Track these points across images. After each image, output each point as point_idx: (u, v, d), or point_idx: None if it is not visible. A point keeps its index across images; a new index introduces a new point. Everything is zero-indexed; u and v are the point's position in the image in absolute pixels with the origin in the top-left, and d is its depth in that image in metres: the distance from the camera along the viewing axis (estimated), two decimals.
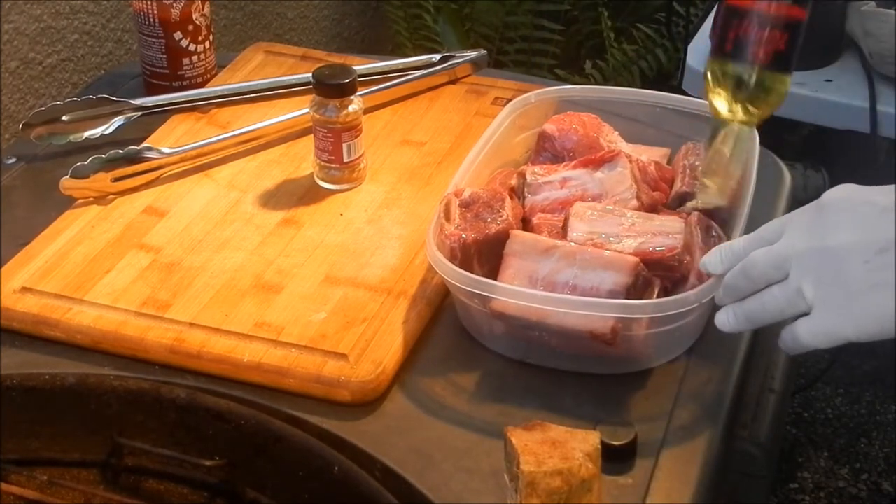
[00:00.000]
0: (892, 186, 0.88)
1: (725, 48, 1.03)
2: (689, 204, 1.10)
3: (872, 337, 0.86)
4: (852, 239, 0.86)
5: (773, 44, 1.01)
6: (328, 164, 1.22)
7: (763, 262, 0.90)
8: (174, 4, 1.35)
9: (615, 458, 0.90)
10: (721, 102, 1.05)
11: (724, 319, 0.94)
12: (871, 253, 0.84)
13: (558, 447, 0.85)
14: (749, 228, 1.06)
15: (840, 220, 0.87)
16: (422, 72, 1.40)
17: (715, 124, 1.07)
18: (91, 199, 1.20)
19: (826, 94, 1.86)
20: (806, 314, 0.88)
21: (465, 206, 1.07)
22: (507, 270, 1.01)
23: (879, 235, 0.84)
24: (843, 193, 0.89)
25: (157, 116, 1.33)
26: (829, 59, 1.92)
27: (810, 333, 0.88)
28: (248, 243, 1.15)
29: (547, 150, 1.19)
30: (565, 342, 0.99)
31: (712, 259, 0.96)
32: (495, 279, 1.01)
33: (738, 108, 1.04)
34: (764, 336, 1.11)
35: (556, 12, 2.20)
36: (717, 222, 1.07)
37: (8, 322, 1.06)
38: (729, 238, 1.05)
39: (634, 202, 1.08)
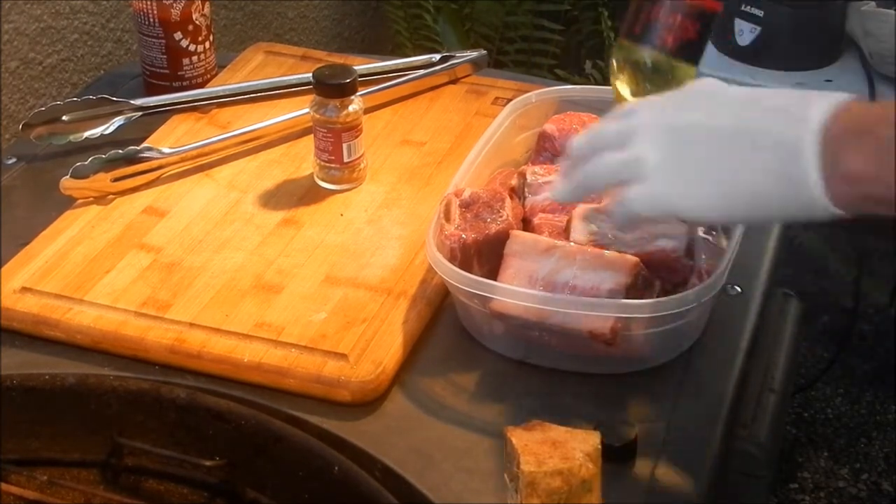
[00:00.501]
0: (752, 89, 0.89)
1: (634, 31, 1.01)
2: None
3: (699, 215, 0.87)
4: (703, 120, 0.86)
5: (684, 32, 1.00)
6: (328, 164, 1.22)
7: (609, 131, 0.90)
8: (174, 4, 1.35)
9: (615, 458, 0.90)
10: (624, 87, 1.03)
11: (559, 186, 0.93)
12: (716, 137, 0.85)
13: (558, 447, 0.85)
14: (749, 228, 1.06)
15: (697, 104, 0.88)
16: (422, 72, 1.40)
17: (614, 110, 1.04)
18: (91, 199, 1.20)
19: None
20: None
21: (465, 206, 1.07)
22: (507, 270, 1.01)
23: (729, 122, 0.85)
24: (708, 84, 0.90)
25: (157, 116, 1.33)
26: (829, 59, 1.92)
27: (640, 196, 0.87)
28: (248, 243, 1.15)
29: (547, 150, 1.19)
30: (565, 342, 0.99)
31: (577, 137, 0.94)
32: (495, 279, 1.01)
33: (641, 94, 1.02)
34: (764, 336, 1.11)
35: (556, 12, 2.20)
36: None
37: (8, 322, 1.06)
38: (728, 238, 1.05)
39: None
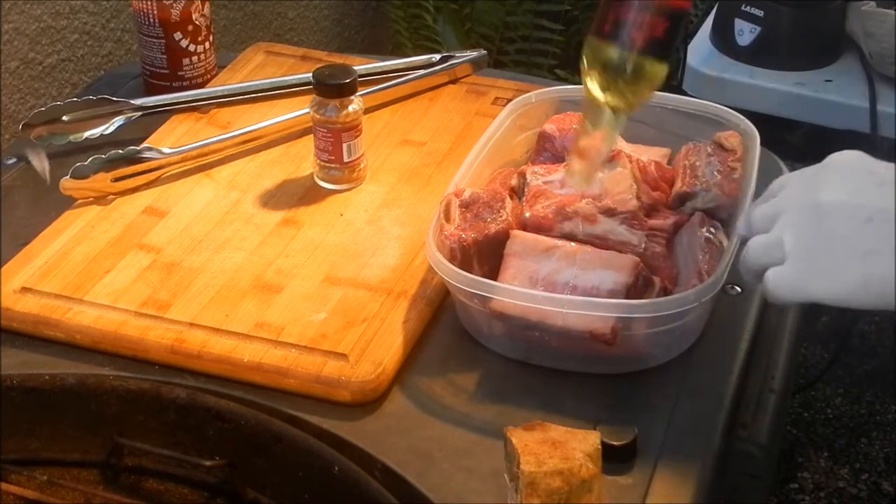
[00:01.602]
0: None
1: (604, 29, 1.01)
2: (689, 204, 1.10)
3: (839, 301, 0.83)
4: (844, 200, 0.83)
5: (652, 30, 0.99)
6: (328, 165, 1.22)
7: (758, 214, 0.90)
8: (174, 4, 1.35)
9: (615, 458, 0.90)
10: (594, 85, 1.02)
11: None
12: (860, 219, 0.82)
13: (558, 447, 0.85)
14: None
15: (837, 180, 0.85)
16: (422, 72, 1.40)
17: (587, 107, 1.04)
18: (91, 199, 1.20)
19: (826, 94, 1.86)
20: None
21: (465, 206, 1.07)
22: (507, 270, 1.01)
23: (872, 203, 0.82)
24: (849, 158, 0.87)
25: (157, 116, 1.33)
26: (829, 59, 1.92)
27: (777, 280, 0.86)
28: (248, 243, 1.15)
29: (547, 150, 1.19)
30: (565, 342, 0.99)
31: (739, 223, 0.95)
32: (495, 279, 1.01)
33: (611, 92, 1.01)
34: (764, 336, 1.11)
35: (556, 12, 2.20)
36: (718, 222, 1.07)
37: (8, 322, 1.06)
38: (728, 238, 1.05)
39: (634, 202, 1.08)
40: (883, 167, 0.85)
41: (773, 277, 0.86)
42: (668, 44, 1.00)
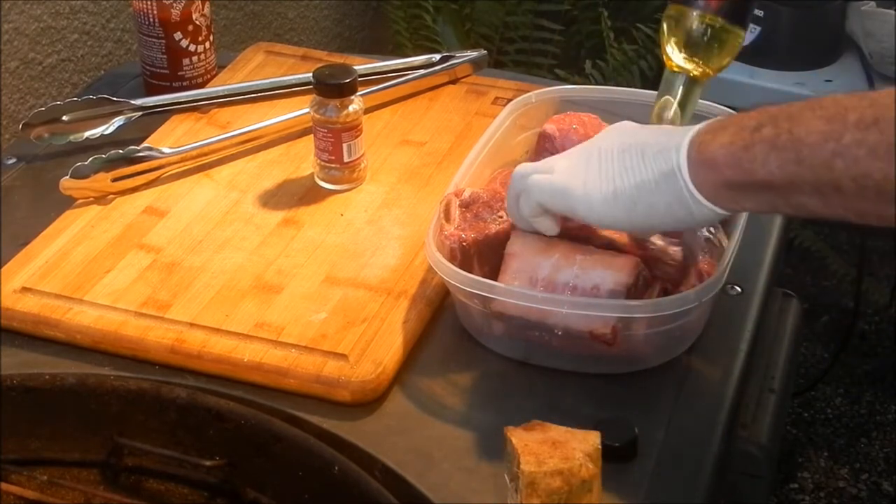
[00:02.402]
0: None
1: None
2: None
3: (595, 211, 0.94)
4: (607, 143, 0.95)
5: None
6: (328, 165, 1.22)
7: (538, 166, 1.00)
8: (174, 4, 1.35)
9: (615, 458, 0.90)
10: (674, 51, 1.06)
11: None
12: (614, 151, 0.94)
13: (558, 447, 0.85)
14: (749, 228, 1.06)
15: (606, 134, 0.98)
16: (422, 72, 1.40)
17: (667, 75, 1.08)
18: (91, 199, 1.20)
19: (826, 94, 1.86)
20: None
21: (465, 206, 1.07)
22: (508, 270, 1.01)
23: (628, 141, 0.94)
24: (620, 124, 1.00)
25: (157, 116, 1.33)
26: (829, 59, 1.93)
27: (542, 182, 0.96)
28: (248, 243, 1.15)
29: (547, 150, 1.18)
30: (565, 342, 0.99)
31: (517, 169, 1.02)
32: (495, 279, 1.01)
33: (691, 59, 1.06)
34: (764, 336, 1.11)
35: (556, 12, 2.20)
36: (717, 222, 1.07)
37: (8, 322, 1.06)
38: (728, 238, 1.05)
39: None
40: (647, 126, 0.99)
41: (540, 178, 0.97)
42: (747, 8, 1.06)
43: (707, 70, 1.06)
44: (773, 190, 0.85)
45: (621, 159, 0.93)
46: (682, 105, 1.07)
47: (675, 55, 1.06)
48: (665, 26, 1.06)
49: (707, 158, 0.88)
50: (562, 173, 0.96)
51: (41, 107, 1.29)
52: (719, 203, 0.89)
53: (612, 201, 0.93)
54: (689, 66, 1.06)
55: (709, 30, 1.04)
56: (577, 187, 0.94)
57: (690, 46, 1.05)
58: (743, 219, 1.05)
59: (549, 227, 1.00)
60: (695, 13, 1.04)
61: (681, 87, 1.07)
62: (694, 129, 0.91)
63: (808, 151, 0.82)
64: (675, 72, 1.07)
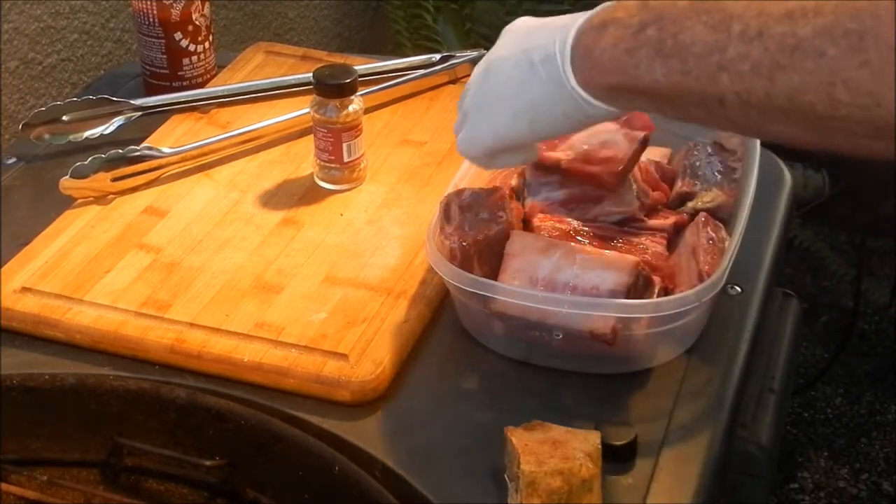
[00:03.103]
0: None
1: None
2: (689, 204, 1.10)
3: (502, 141, 0.92)
4: (502, 53, 0.92)
5: None
6: (328, 164, 1.22)
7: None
8: (174, 4, 1.35)
9: (615, 458, 0.90)
10: None
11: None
12: (510, 62, 0.90)
13: (559, 447, 0.85)
14: (749, 228, 1.06)
15: (505, 40, 0.93)
16: (422, 72, 1.40)
17: None
18: (91, 199, 1.20)
19: None
20: None
21: (465, 206, 1.07)
22: (507, 270, 1.01)
23: (520, 48, 0.90)
24: (515, 22, 0.94)
25: (157, 116, 1.33)
26: None
27: (463, 142, 0.95)
28: (248, 243, 1.15)
29: (547, 150, 1.18)
30: (565, 342, 0.99)
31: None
32: (495, 279, 1.01)
33: None
34: (764, 336, 1.11)
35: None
36: (718, 222, 1.07)
37: (8, 322, 1.06)
38: (730, 237, 1.05)
39: (635, 202, 1.08)
40: (538, 19, 0.93)
41: (460, 139, 0.96)
42: None
43: None
44: (660, 98, 0.82)
45: (515, 73, 0.90)
46: None
47: None
48: None
49: (593, 63, 0.84)
50: (471, 120, 0.94)
51: (41, 107, 1.29)
52: (613, 104, 0.86)
53: (513, 123, 0.91)
54: None
55: None
56: (488, 128, 0.93)
57: None
58: (743, 219, 1.05)
59: (515, 160, 0.99)
60: None
61: None
62: (576, 24, 0.86)
63: (694, 62, 0.78)
64: None
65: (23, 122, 1.28)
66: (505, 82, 0.91)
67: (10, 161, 1.28)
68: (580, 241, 1.04)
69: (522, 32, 0.92)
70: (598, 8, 0.86)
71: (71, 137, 1.29)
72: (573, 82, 0.86)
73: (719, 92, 0.77)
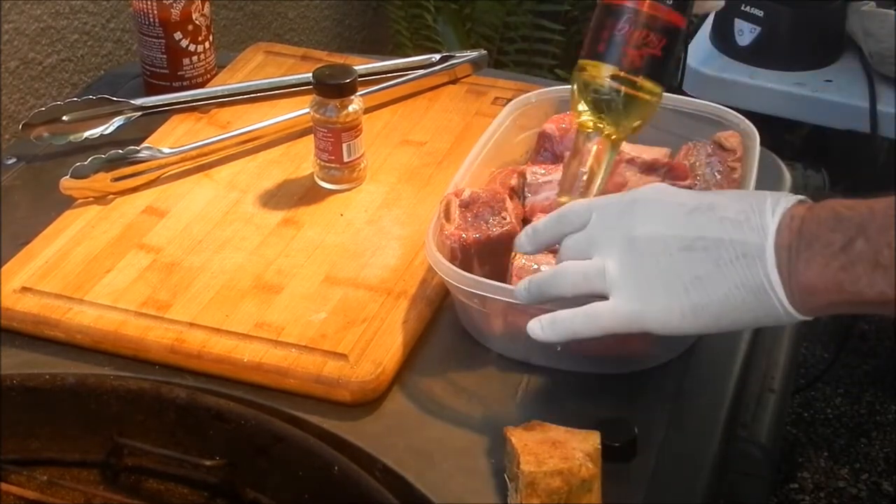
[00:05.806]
0: (701, 192, 0.89)
1: (598, 49, 0.98)
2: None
3: (670, 330, 0.85)
4: (660, 232, 0.86)
5: (649, 47, 0.96)
6: (328, 164, 1.22)
7: (572, 247, 0.90)
8: (174, 4, 1.35)
9: (615, 458, 0.90)
10: (587, 110, 1.00)
11: (521, 289, 0.92)
12: (675, 248, 0.85)
13: (558, 447, 0.85)
14: None
15: (650, 213, 0.87)
16: (422, 72, 1.40)
17: (577, 136, 1.01)
18: (91, 199, 1.20)
19: (826, 94, 1.86)
20: (601, 298, 0.88)
21: (465, 206, 1.07)
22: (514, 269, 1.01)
23: (686, 233, 0.85)
24: (654, 191, 0.89)
25: (157, 116, 1.33)
26: (829, 59, 1.92)
27: (606, 312, 0.87)
28: (248, 243, 1.15)
29: (547, 150, 1.19)
30: (565, 342, 0.99)
31: (520, 240, 0.95)
32: (495, 279, 1.01)
33: (605, 118, 0.99)
34: (764, 336, 1.11)
35: (556, 12, 2.20)
36: None
37: (8, 322, 1.06)
38: None
39: None
40: (686, 196, 0.88)
41: (603, 308, 0.87)
42: (665, 63, 0.98)
43: (623, 130, 1.00)
44: (885, 305, 0.80)
45: (688, 264, 0.84)
46: (596, 171, 1.00)
47: (586, 114, 0.99)
48: (575, 85, 0.99)
49: (806, 287, 0.80)
50: (623, 292, 0.87)
51: (41, 107, 1.29)
52: (814, 315, 0.83)
53: (692, 318, 0.84)
54: (603, 126, 0.99)
55: (624, 87, 0.97)
56: (647, 311, 0.86)
57: (605, 105, 0.98)
58: None
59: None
60: (608, 68, 0.96)
61: (595, 151, 1.00)
62: (774, 233, 0.82)
63: None
64: (587, 133, 1.00)
65: (23, 122, 1.28)
66: (674, 268, 0.84)
67: (10, 161, 1.28)
68: None
69: (679, 215, 0.86)
70: (786, 210, 0.82)
71: (71, 137, 1.29)
72: (782, 296, 0.81)
73: None
